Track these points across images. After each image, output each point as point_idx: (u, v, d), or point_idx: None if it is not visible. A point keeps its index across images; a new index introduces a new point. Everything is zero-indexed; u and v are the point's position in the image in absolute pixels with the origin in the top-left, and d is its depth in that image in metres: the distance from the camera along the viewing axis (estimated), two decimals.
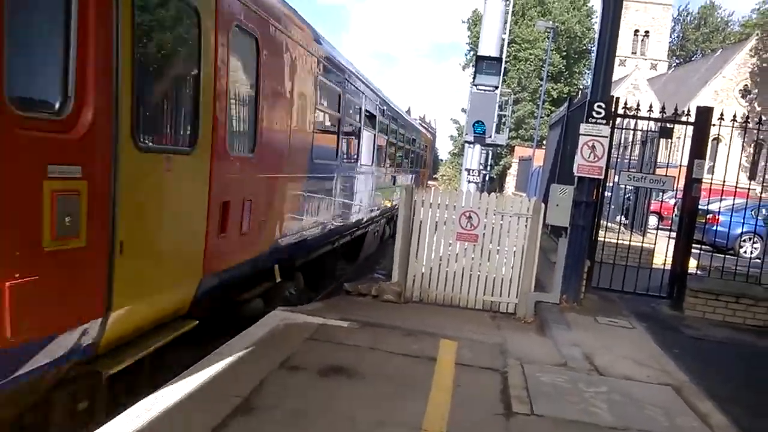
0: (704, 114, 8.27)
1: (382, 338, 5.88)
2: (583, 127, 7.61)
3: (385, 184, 13.33)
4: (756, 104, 48.86)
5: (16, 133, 2.89)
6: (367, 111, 10.85)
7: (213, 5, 4.60)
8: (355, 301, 7.89)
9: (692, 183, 8.36)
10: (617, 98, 8.15)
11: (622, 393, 5.02)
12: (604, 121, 7.60)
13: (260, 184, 5.94)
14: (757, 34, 49.98)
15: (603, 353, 6.08)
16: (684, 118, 8.33)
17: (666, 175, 8.51)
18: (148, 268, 4.14)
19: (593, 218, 8.23)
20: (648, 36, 68.84)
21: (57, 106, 3.20)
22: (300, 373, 4.73)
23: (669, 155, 9.29)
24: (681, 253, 8.63)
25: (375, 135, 11.79)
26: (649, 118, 8.56)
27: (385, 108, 12.72)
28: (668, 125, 8.71)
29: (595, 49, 7.96)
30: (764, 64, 49.14)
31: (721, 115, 8.21)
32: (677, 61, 77.22)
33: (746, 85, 50.34)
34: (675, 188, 8.82)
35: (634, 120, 8.66)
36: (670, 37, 74.95)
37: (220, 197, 4.94)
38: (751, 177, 44.21)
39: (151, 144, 4.09)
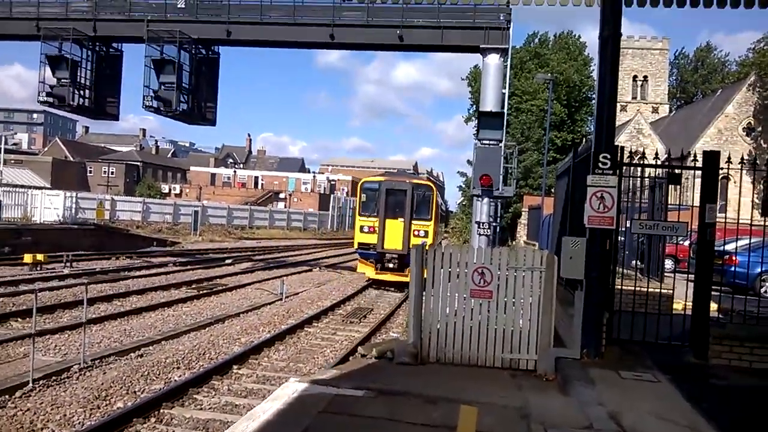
0: (712, 158, 8.21)
1: (400, 407, 5.70)
2: (590, 179, 7.57)
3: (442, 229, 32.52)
4: (762, 141, 48.88)
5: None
6: (441, 202, 31.14)
7: (436, 193, 21.77)
8: (370, 366, 7.74)
9: (706, 228, 8.24)
10: (622, 147, 8.14)
11: None
12: (611, 172, 7.57)
13: (438, 227, 23.58)
14: (755, 72, 50.43)
15: (629, 412, 5.86)
16: (691, 163, 8.28)
17: (678, 222, 8.40)
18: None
19: (608, 268, 8.09)
20: (647, 81, 69.73)
21: (429, 219, 21.19)
22: None
23: (679, 197, 9.15)
24: (700, 300, 8.42)
25: (443, 210, 32.94)
26: (656, 165, 8.52)
27: (441, 195, 33.97)
28: (676, 171, 8.65)
29: (595, 100, 8.00)
30: (766, 102, 49.37)
31: (729, 158, 8.18)
32: (678, 103, 77.90)
33: (750, 122, 50.48)
34: (689, 233, 8.68)
35: (641, 168, 8.63)
36: (669, 80, 75.82)
37: (436, 229, 22.59)
38: (765, 213, 43.80)
39: (434, 221, 21.61)
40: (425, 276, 8.13)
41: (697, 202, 8.23)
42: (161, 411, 7.94)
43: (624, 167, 8.18)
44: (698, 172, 8.26)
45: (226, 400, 8.60)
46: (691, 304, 8.59)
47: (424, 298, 8.07)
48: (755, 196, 39.49)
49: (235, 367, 10.22)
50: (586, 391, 6.56)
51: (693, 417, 5.91)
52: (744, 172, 8.34)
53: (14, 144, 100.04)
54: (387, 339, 12.63)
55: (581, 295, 7.88)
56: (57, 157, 79.30)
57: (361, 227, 21.07)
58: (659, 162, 8.84)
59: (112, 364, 10.06)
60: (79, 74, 22.45)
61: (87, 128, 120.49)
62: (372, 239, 20.71)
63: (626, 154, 8.23)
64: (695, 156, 8.36)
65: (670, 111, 70.84)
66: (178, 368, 10.06)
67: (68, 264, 22.72)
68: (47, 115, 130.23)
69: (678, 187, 9.21)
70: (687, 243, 20.59)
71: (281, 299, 17.47)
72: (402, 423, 5.30)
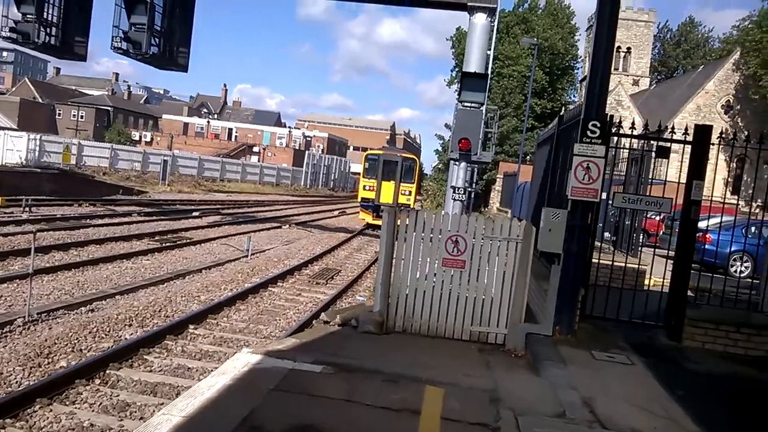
0: (703, 132, 7.82)
1: (360, 387, 5.23)
2: (578, 147, 7.10)
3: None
4: (739, 119, 49.03)
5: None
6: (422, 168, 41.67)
7: (418, 163, 30.75)
8: (332, 334, 7.30)
9: (691, 205, 7.88)
10: (612, 116, 7.67)
11: None
12: (600, 141, 7.11)
13: (419, 189, 34.48)
14: (739, 50, 50.27)
15: (604, 398, 5.51)
16: (681, 137, 7.86)
17: (663, 197, 8.01)
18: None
19: (587, 243, 7.71)
20: (630, 52, 69.19)
21: (413, 183, 29.51)
22: None
23: (654, 171, 8.79)
24: (679, 280, 8.11)
25: (421, 171, 35.71)
26: (645, 137, 8.09)
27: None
28: (666, 144, 8.21)
29: (589, 66, 7.50)
30: (748, 80, 49.34)
31: (721, 133, 7.78)
32: (659, 77, 77.71)
33: (729, 100, 50.53)
34: (672, 210, 8.32)
35: (628, 139, 8.20)
36: (652, 53, 75.42)
37: (417, 190, 31.36)
38: (734, 192, 44.34)
39: (416, 184, 30.59)
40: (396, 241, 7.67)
41: (671, 178, 7.86)
42: (107, 372, 7.41)
43: (612, 137, 7.73)
44: (679, 147, 7.87)
45: (178, 362, 8.11)
46: (664, 280, 8.29)
47: (393, 263, 7.62)
48: (728, 174, 39.74)
49: (191, 326, 9.69)
50: (558, 372, 6.22)
51: (668, 405, 5.61)
52: (719, 149, 7.99)
53: None
54: (352, 304, 12.22)
55: (557, 270, 7.50)
56: (25, 98, 76.37)
57: (364, 186, 29.32)
58: (645, 134, 8.42)
59: (60, 318, 9.46)
60: (45, 10, 21.04)
61: (58, 69, 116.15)
62: (371, 195, 28.83)
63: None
64: (686, 130, 7.96)
65: (650, 84, 70.66)
66: (130, 325, 9.51)
67: (27, 209, 21.81)
68: (17, 54, 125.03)
69: (665, 160, 8.82)
70: (658, 218, 20.43)
71: (247, 256, 16.91)
72: (361, 405, 4.83)
